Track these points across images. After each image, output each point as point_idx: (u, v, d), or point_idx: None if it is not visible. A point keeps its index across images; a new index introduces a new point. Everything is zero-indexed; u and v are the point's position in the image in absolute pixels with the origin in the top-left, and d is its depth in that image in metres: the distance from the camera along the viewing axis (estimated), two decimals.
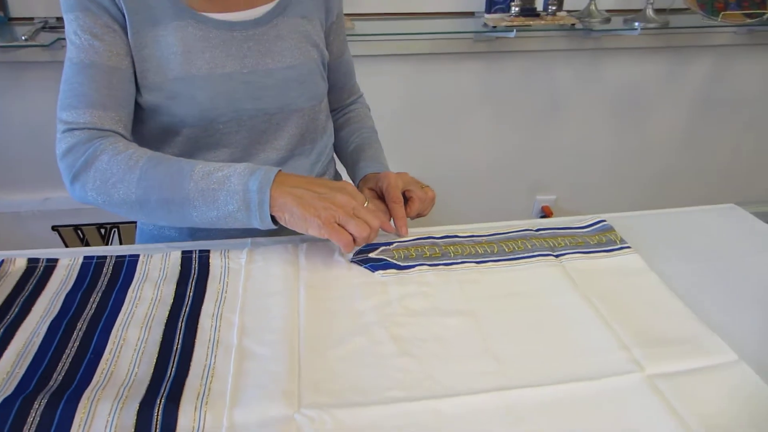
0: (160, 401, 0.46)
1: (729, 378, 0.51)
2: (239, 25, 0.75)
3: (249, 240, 0.71)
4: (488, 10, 1.48)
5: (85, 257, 0.65)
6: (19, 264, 0.64)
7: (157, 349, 0.53)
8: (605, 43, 1.65)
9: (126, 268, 0.64)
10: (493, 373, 0.51)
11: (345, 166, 0.94)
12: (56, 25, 1.39)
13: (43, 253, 0.66)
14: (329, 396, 0.48)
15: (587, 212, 0.79)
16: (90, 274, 0.63)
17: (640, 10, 1.55)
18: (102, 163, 0.65)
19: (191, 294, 0.60)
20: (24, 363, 0.51)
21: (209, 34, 0.73)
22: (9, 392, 0.47)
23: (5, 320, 0.56)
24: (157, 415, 0.45)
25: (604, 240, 0.71)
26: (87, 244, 1.73)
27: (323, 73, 0.84)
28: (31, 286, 0.61)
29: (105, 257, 0.66)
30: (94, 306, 0.58)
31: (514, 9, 1.41)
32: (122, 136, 0.70)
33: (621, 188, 1.98)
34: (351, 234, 0.62)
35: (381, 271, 0.64)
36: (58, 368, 0.50)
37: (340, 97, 0.96)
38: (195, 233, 0.81)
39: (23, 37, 1.31)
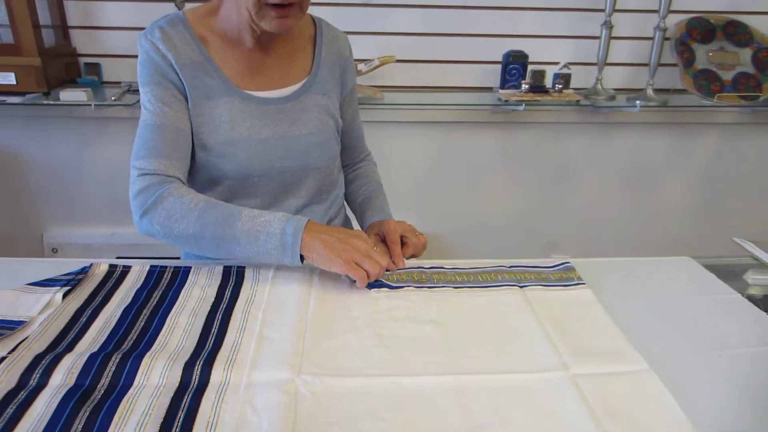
0: (199, 363, 0.64)
1: (637, 382, 0.64)
2: (274, 101, 0.95)
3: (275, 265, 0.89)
4: (502, 86, 1.69)
5: (152, 266, 0.85)
6: (102, 268, 0.84)
7: (200, 331, 0.71)
8: (612, 117, 1.82)
9: (181, 275, 0.84)
10: (448, 363, 0.66)
11: (354, 213, 1.13)
12: (138, 89, 1.67)
13: (120, 262, 0.86)
14: (322, 369, 0.64)
15: None
16: (154, 278, 0.83)
17: (642, 89, 1.73)
18: (168, 203, 0.82)
19: (228, 295, 0.79)
20: (105, 333, 0.70)
21: (250, 107, 0.93)
22: (95, 350, 0.66)
23: (91, 305, 0.75)
24: (197, 372, 0.63)
25: (564, 277, 0.86)
26: None
27: (337, 137, 1.04)
28: (110, 284, 0.81)
29: (166, 267, 0.85)
30: (156, 300, 0.77)
31: (524, 86, 1.61)
32: (182, 182, 0.88)
33: (632, 256, 2.05)
34: (366, 270, 0.79)
35: (376, 289, 0.81)
36: (128, 338, 0.69)
37: (352, 155, 1.15)
38: None
39: (113, 98, 1.59)
